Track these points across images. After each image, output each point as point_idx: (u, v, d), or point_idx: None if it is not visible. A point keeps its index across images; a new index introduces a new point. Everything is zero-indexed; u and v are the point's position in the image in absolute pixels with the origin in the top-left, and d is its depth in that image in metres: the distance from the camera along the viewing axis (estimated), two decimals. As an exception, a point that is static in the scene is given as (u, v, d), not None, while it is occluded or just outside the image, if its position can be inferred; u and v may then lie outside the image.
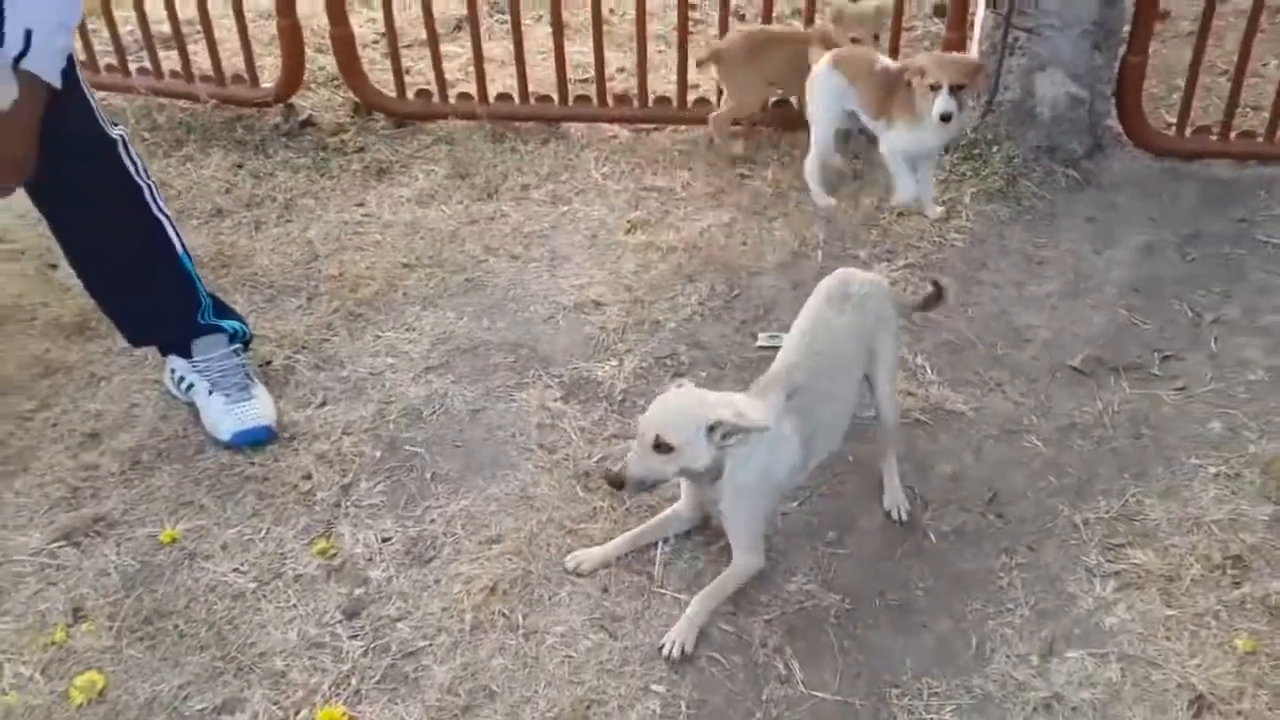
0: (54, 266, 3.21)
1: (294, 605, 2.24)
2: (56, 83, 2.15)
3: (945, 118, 3.11)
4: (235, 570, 2.31)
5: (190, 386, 2.69)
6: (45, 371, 2.84)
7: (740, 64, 3.59)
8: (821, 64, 3.39)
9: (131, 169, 2.51)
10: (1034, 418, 2.69)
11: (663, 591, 2.27)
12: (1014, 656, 2.14)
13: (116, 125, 2.51)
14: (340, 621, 2.21)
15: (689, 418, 2.11)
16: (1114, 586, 2.27)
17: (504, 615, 2.22)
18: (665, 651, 2.15)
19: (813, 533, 2.41)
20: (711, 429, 2.10)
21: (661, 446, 2.10)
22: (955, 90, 3.10)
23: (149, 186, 2.55)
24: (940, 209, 3.37)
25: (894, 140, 3.32)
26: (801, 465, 2.29)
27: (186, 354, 2.68)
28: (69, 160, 2.32)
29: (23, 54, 2.06)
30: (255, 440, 2.60)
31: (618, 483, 2.13)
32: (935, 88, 3.10)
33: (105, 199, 2.48)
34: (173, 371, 2.73)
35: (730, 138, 3.74)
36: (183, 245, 2.63)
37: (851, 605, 2.25)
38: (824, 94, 3.39)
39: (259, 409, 2.64)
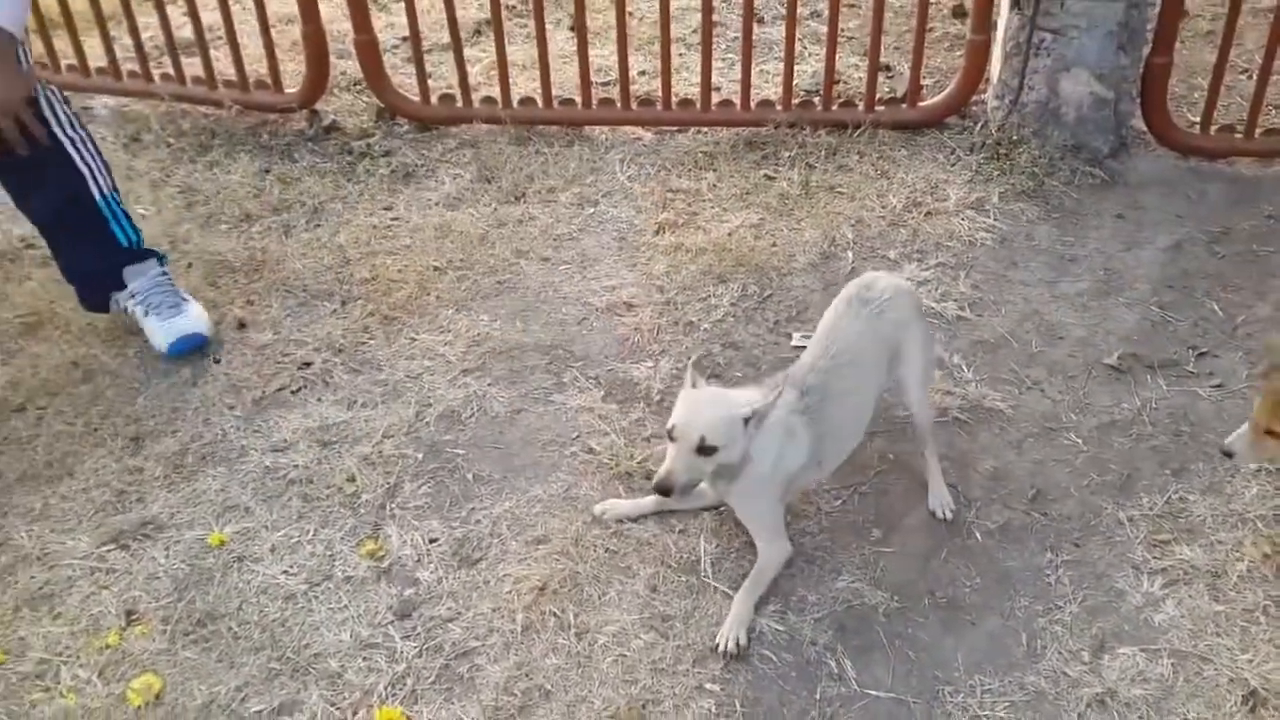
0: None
1: (345, 606, 2.25)
2: (20, 33, 2.37)
3: None
4: (285, 572, 2.32)
5: (131, 314, 2.93)
6: (84, 376, 2.84)
7: None
8: None
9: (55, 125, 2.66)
10: (1073, 415, 2.70)
11: (712, 588, 2.28)
12: (1065, 653, 2.15)
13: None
14: (392, 622, 2.22)
15: (728, 416, 2.15)
16: (1161, 583, 2.28)
17: (555, 615, 2.23)
18: (720, 648, 2.16)
19: (858, 531, 2.42)
20: (746, 421, 2.15)
21: (705, 449, 2.12)
22: None
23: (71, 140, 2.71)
24: None
25: None
26: (813, 463, 2.32)
27: (121, 285, 2.90)
28: None
29: None
30: (192, 346, 2.88)
31: (666, 490, 2.12)
32: None
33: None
34: (115, 300, 2.95)
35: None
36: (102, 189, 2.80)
37: (900, 603, 2.26)
38: None
39: (189, 319, 2.90)
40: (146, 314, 2.88)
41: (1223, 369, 2.83)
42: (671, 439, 2.13)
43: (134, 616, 2.22)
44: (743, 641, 2.17)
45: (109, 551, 2.36)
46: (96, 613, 2.22)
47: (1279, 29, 3.45)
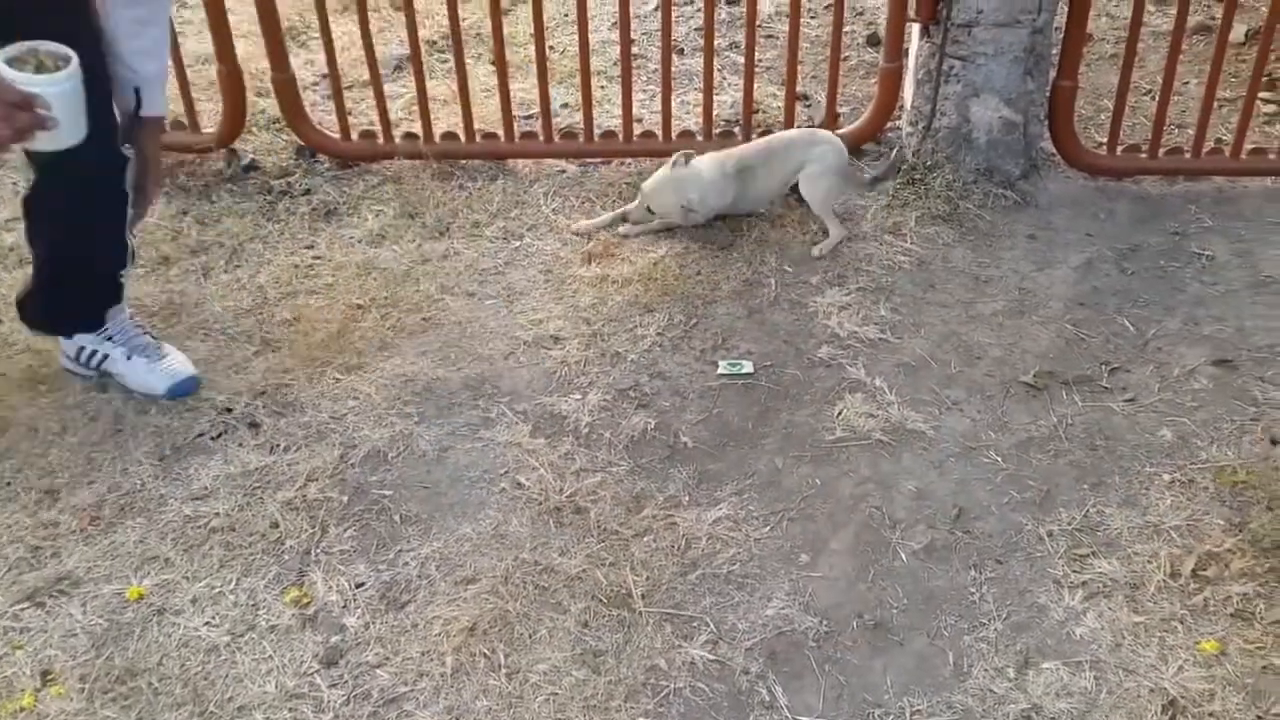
0: (-2, 321, 3.14)
1: (270, 656, 2.21)
2: (164, 113, 2.64)
3: None
4: (207, 624, 2.27)
5: (104, 358, 2.85)
6: (-5, 429, 2.77)
7: None
8: None
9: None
10: (992, 434, 2.76)
11: (644, 620, 2.28)
12: (991, 670, 2.19)
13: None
14: (319, 671, 2.18)
15: (671, 196, 3.42)
16: (1082, 596, 2.33)
17: (485, 656, 2.21)
18: (576, 228, 3.50)
19: (786, 557, 2.44)
20: (683, 207, 3.41)
21: (650, 212, 3.45)
22: None
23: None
24: None
25: None
26: (729, 206, 3.51)
27: (100, 324, 2.84)
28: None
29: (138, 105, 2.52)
30: (190, 390, 2.87)
31: (622, 219, 3.52)
32: None
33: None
34: (80, 350, 2.86)
35: None
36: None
37: (829, 627, 2.28)
38: None
39: (179, 362, 2.90)
40: (130, 356, 2.84)
41: (1135, 383, 2.91)
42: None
43: (49, 677, 2.15)
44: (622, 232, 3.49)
45: (23, 610, 2.29)
46: (10, 674, 2.15)
47: (1177, 52, 3.58)
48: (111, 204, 2.65)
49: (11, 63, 1.94)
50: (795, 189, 3.57)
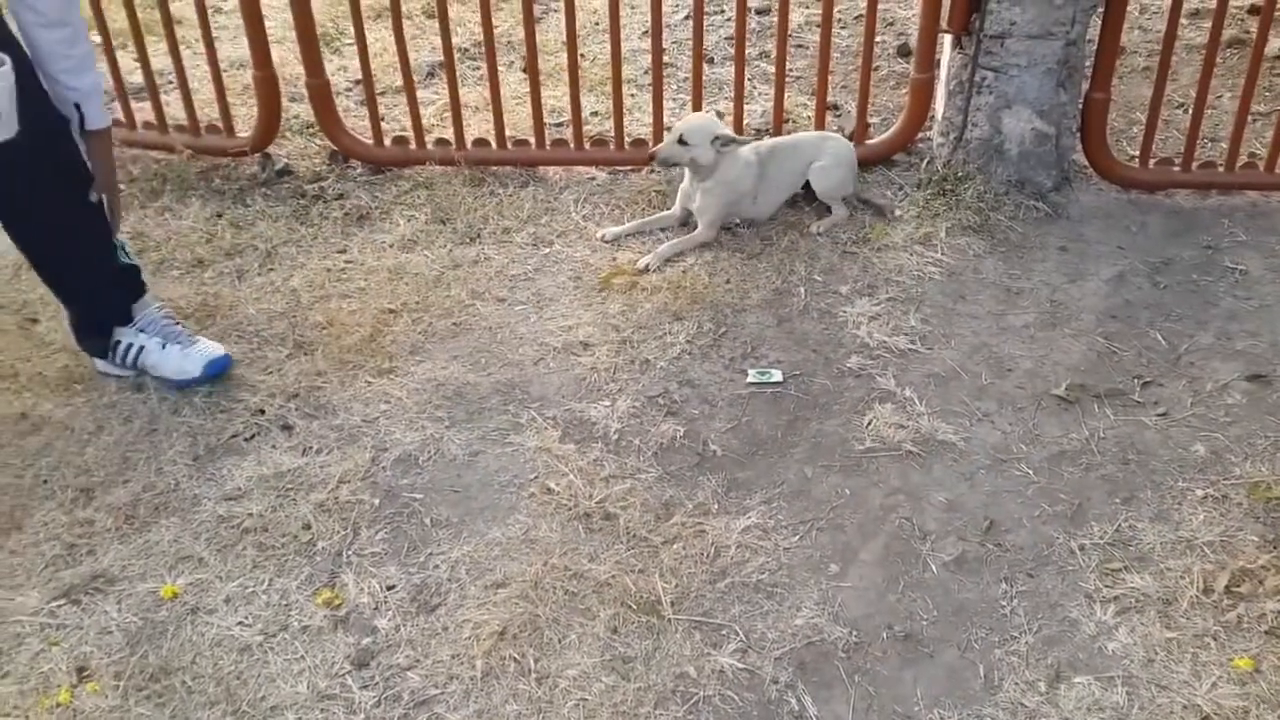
0: (34, 321, 3.17)
1: (302, 657, 2.22)
2: (107, 124, 2.68)
3: None
4: (240, 624, 2.29)
5: (140, 351, 2.90)
6: (33, 428, 2.80)
7: None
8: None
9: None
10: (1023, 446, 2.75)
11: (673, 627, 2.28)
12: (1022, 684, 2.18)
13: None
14: (350, 672, 2.20)
15: (703, 129, 3.43)
16: (1114, 611, 2.32)
17: (515, 660, 2.22)
18: (640, 265, 3.36)
19: (816, 567, 2.44)
20: (714, 139, 3.41)
21: (682, 142, 3.42)
22: None
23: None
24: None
25: None
26: (753, 197, 3.55)
27: (129, 319, 2.91)
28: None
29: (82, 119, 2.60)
30: (224, 367, 2.94)
31: (651, 157, 3.51)
32: None
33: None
34: (116, 345, 2.91)
35: None
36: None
37: (859, 638, 2.28)
38: None
39: (210, 345, 2.96)
40: (165, 345, 2.90)
41: (1167, 397, 2.89)
42: (666, 131, 3.60)
43: (85, 673, 2.18)
44: (653, 267, 3.39)
45: (59, 607, 2.32)
46: (46, 670, 2.18)
47: (1211, 65, 3.56)
48: (72, 194, 2.68)
49: None
50: (806, 188, 3.67)
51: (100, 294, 2.89)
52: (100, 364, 2.96)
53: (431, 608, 2.34)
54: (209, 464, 2.70)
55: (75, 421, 2.83)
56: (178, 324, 2.97)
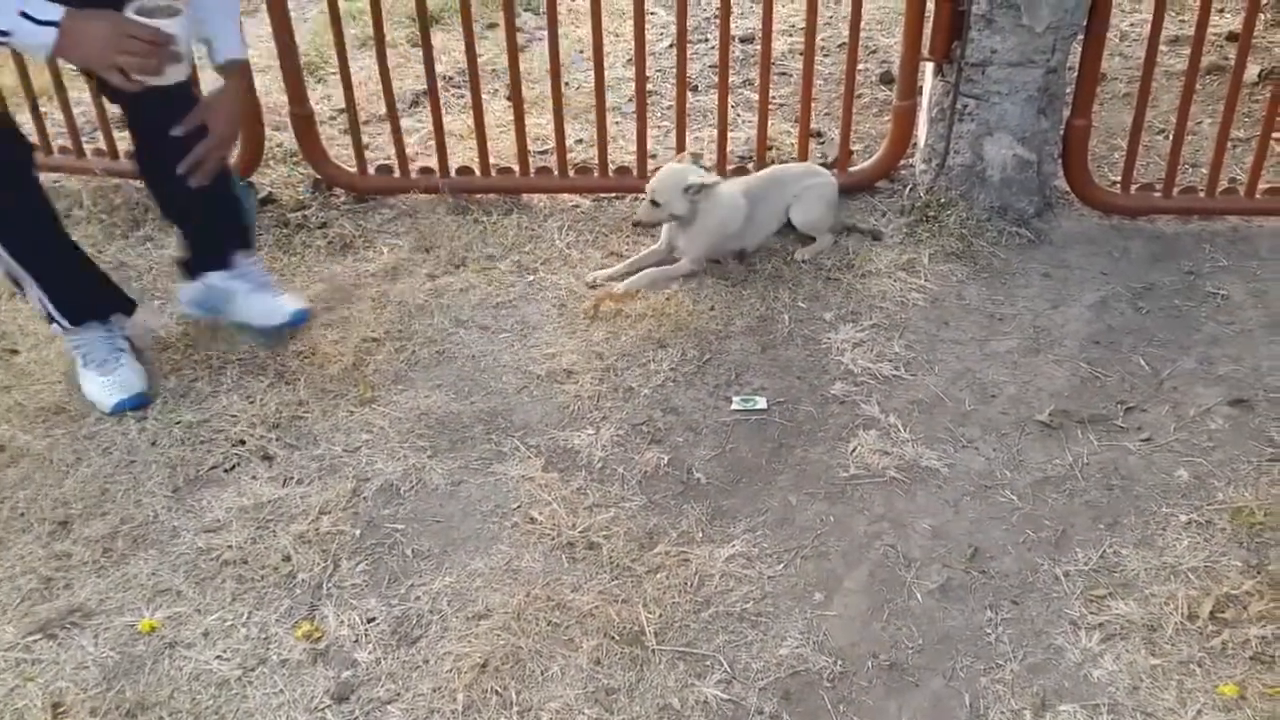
0: (14, 351, 3.15)
1: (281, 691, 2.20)
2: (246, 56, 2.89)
3: None
4: (218, 658, 2.26)
5: (229, 296, 3.13)
6: (10, 460, 2.78)
7: None
8: None
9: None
10: (1007, 472, 2.74)
11: (656, 658, 2.26)
12: (1008, 713, 2.16)
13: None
14: (329, 706, 2.17)
15: (673, 185, 3.37)
16: (1099, 638, 2.31)
17: (497, 693, 2.20)
18: (619, 290, 3.38)
19: (800, 595, 2.42)
20: (686, 189, 3.35)
21: (654, 202, 3.39)
22: None
23: None
24: None
25: None
26: (740, 235, 3.50)
27: (229, 264, 3.14)
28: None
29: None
30: (304, 319, 3.21)
31: (636, 223, 3.58)
32: None
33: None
34: (208, 290, 3.14)
35: None
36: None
37: (844, 667, 2.26)
38: None
39: (296, 297, 3.25)
40: (255, 291, 3.13)
41: (1151, 423, 2.89)
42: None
43: (60, 709, 2.15)
44: (618, 290, 3.40)
45: (35, 641, 2.29)
46: (21, 706, 2.15)
47: (1190, 91, 3.59)
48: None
49: (140, 12, 2.35)
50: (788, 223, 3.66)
51: (220, 225, 3.12)
52: (186, 294, 3.21)
53: (412, 640, 2.32)
54: (188, 495, 2.68)
55: (54, 453, 2.80)
56: (269, 275, 3.23)
